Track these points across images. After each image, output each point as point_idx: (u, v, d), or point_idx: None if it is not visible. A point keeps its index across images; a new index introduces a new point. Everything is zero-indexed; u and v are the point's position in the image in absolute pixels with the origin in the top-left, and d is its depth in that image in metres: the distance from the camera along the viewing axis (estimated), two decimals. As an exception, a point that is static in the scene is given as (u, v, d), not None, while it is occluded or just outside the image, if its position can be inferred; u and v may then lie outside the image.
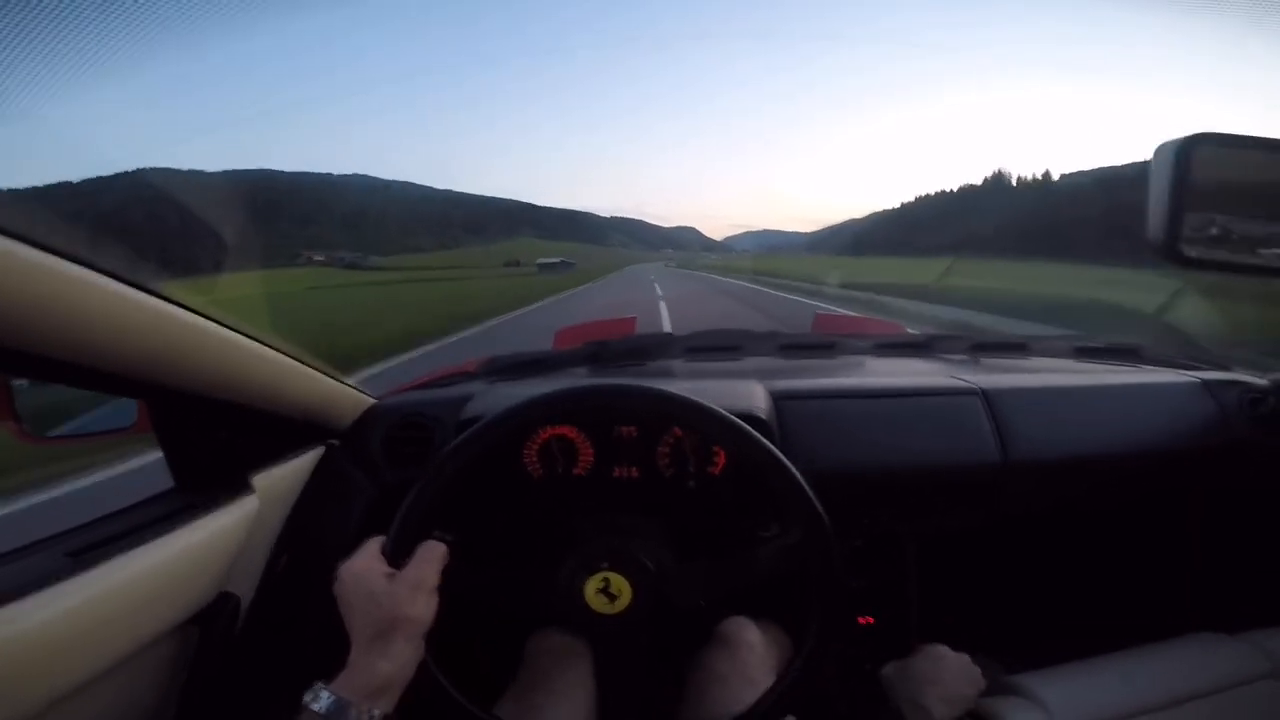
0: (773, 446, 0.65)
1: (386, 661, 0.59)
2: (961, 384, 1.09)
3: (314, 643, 0.87)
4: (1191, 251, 0.71)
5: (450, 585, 0.64)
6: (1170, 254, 0.71)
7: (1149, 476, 1.11)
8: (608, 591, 0.67)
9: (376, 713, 0.57)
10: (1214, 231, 0.73)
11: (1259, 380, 1.16)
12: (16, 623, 0.54)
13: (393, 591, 0.61)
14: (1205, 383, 1.15)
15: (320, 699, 0.56)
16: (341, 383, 1.00)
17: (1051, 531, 1.28)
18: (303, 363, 0.89)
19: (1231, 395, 1.13)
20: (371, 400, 1.08)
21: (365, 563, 0.64)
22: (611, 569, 0.68)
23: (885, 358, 1.33)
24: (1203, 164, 0.69)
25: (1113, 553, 1.33)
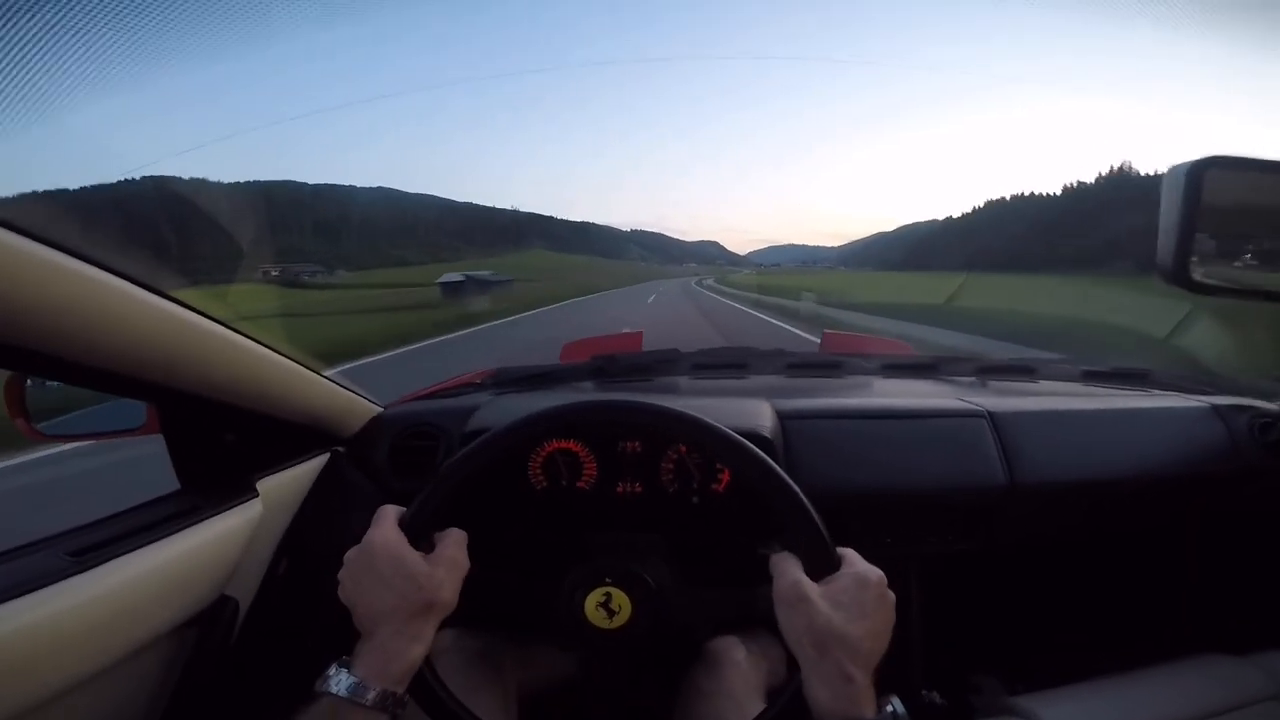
0: (774, 464, 0.64)
1: (420, 645, 0.57)
2: (968, 406, 1.08)
3: (310, 649, 0.87)
4: (1201, 276, 0.71)
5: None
6: (1179, 279, 0.70)
7: (1156, 501, 1.09)
8: (608, 607, 0.67)
9: (402, 694, 0.56)
10: (1224, 256, 0.73)
11: (1270, 405, 1.15)
12: (14, 620, 0.54)
13: (432, 574, 0.59)
14: (1215, 407, 1.14)
15: (340, 680, 0.54)
16: (349, 390, 1.01)
17: (1057, 553, 1.27)
18: (310, 369, 0.90)
19: (1241, 420, 1.11)
20: (378, 409, 1.08)
21: (395, 538, 0.60)
22: (614, 585, 0.68)
23: (892, 379, 1.32)
24: (1213, 187, 0.68)
25: (1117, 575, 1.31)
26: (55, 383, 0.85)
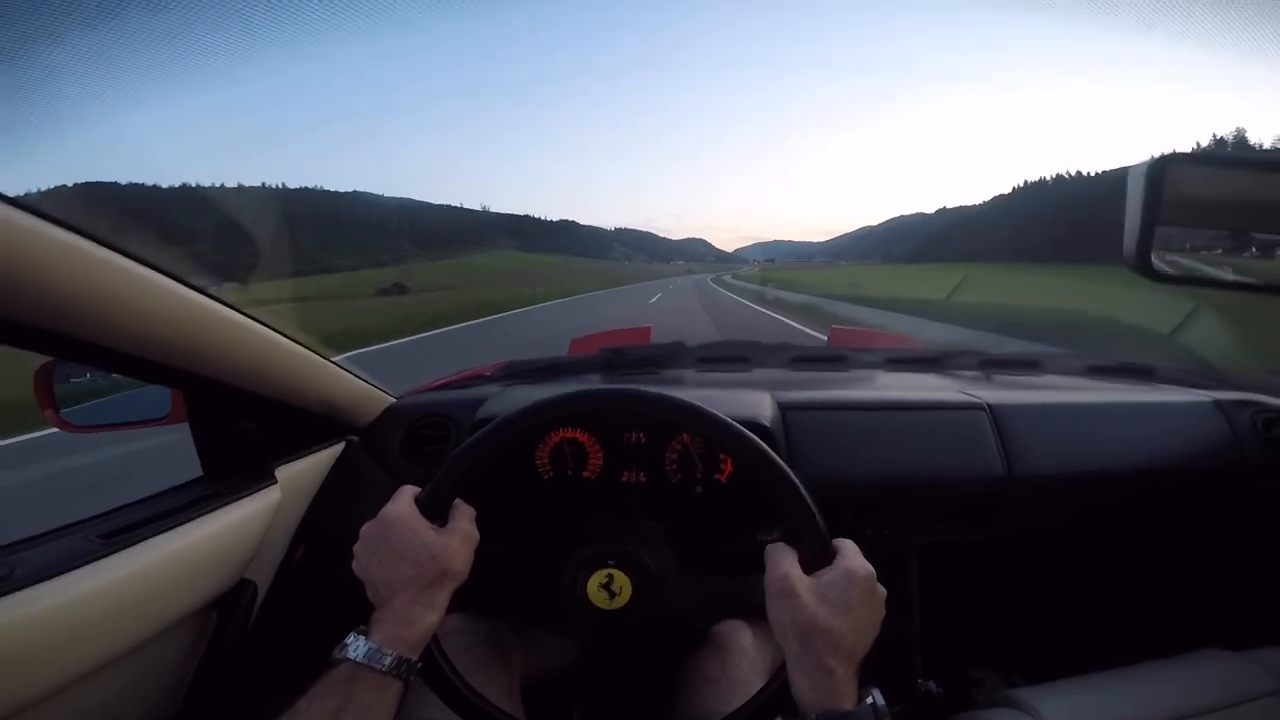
0: (772, 452, 0.66)
1: (434, 612, 0.60)
2: (968, 399, 1.09)
3: (326, 630, 0.90)
4: (1163, 267, 0.74)
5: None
6: (1143, 269, 0.73)
7: (1157, 495, 1.10)
8: (609, 588, 0.69)
9: (416, 661, 0.58)
10: (1185, 248, 0.76)
11: (1274, 401, 1.15)
12: (48, 600, 0.57)
13: (445, 544, 0.62)
14: (1218, 402, 1.14)
15: (358, 646, 0.56)
16: (364, 381, 1.04)
17: (1057, 547, 1.27)
18: (328, 360, 0.93)
19: (1244, 415, 1.12)
20: (392, 399, 1.11)
21: (409, 511, 0.63)
22: (616, 567, 0.70)
23: (896, 372, 1.33)
24: (1174, 183, 0.71)
25: (1118, 569, 1.32)
26: (83, 378, 0.89)
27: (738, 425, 0.67)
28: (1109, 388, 1.27)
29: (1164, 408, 1.15)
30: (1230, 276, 0.77)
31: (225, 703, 0.81)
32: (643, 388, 0.71)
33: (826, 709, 0.53)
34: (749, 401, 1.00)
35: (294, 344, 0.84)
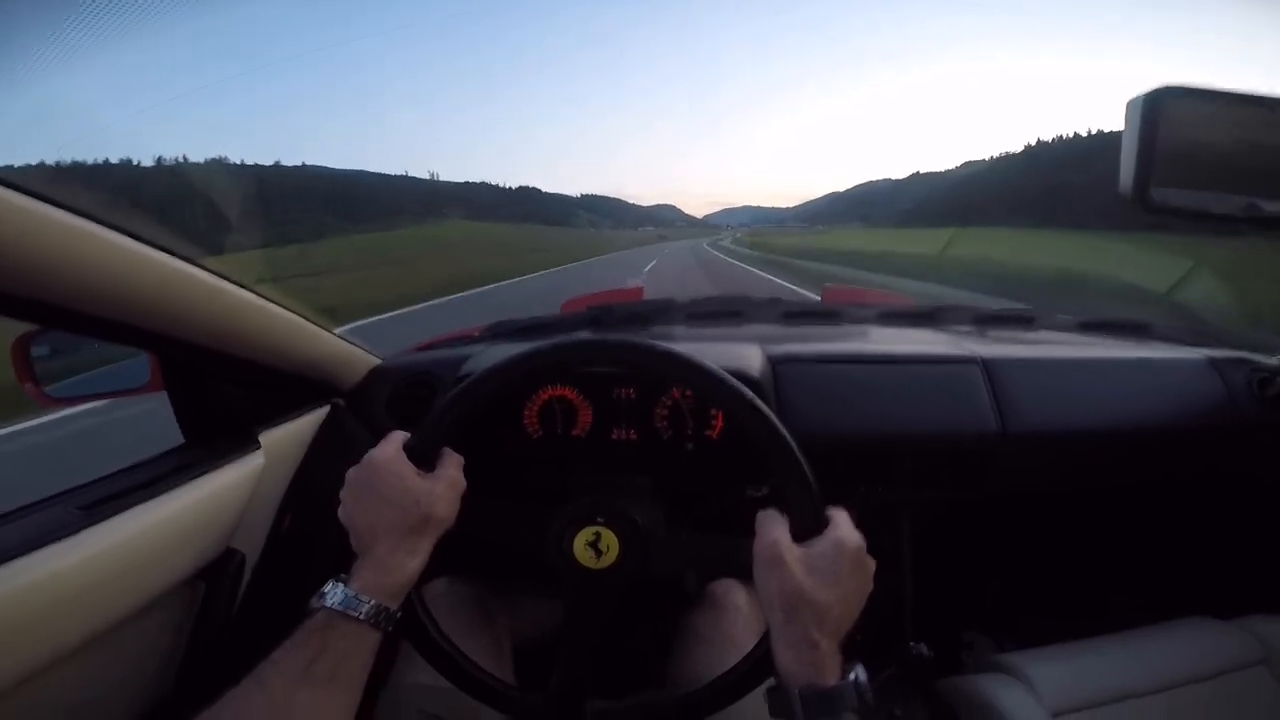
0: (759, 401, 0.64)
1: (415, 560, 0.59)
2: (961, 353, 1.08)
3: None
4: (1159, 198, 0.73)
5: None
6: (1141, 201, 0.72)
7: (1150, 453, 1.09)
8: (596, 546, 0.68)
9: (396, 610, 0.57)
10: (1181, 181, 0.75)
11: (1268, 360, 1.13)
12: (30, 574, 0.56)
13: (430, 489, 0.61)
14: (1212, 360, 1.12)
15: (335, 594, 0.54)
16: (348, 342, 1.03)
17: (1049, 508, 1.28)
18: (311, 321, 0.91)
19: (1239, 374, 1.10)
20: (376, 360, 1.10)
21: (395, 455, 0.62)
22: (604, 524, 0.69)
23: (889, 327, 1.32)
24: (1170, 116, 0.70)
25: (1110, 532, 1.32)
26: (60, 350, 0.87)
27: (730, 377, 0.66)
28: (1103, 343, 1.25)
29: (1158, 364, 1.13)
30: (1231, 211, 0.76)
31: (218, 674, 0.82)
32: (634, 337, 0.69)
33: (809, 682, 0.53)
34: (737, 353, 0.99)
35: (274, 305, 0.83)
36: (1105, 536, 1.32)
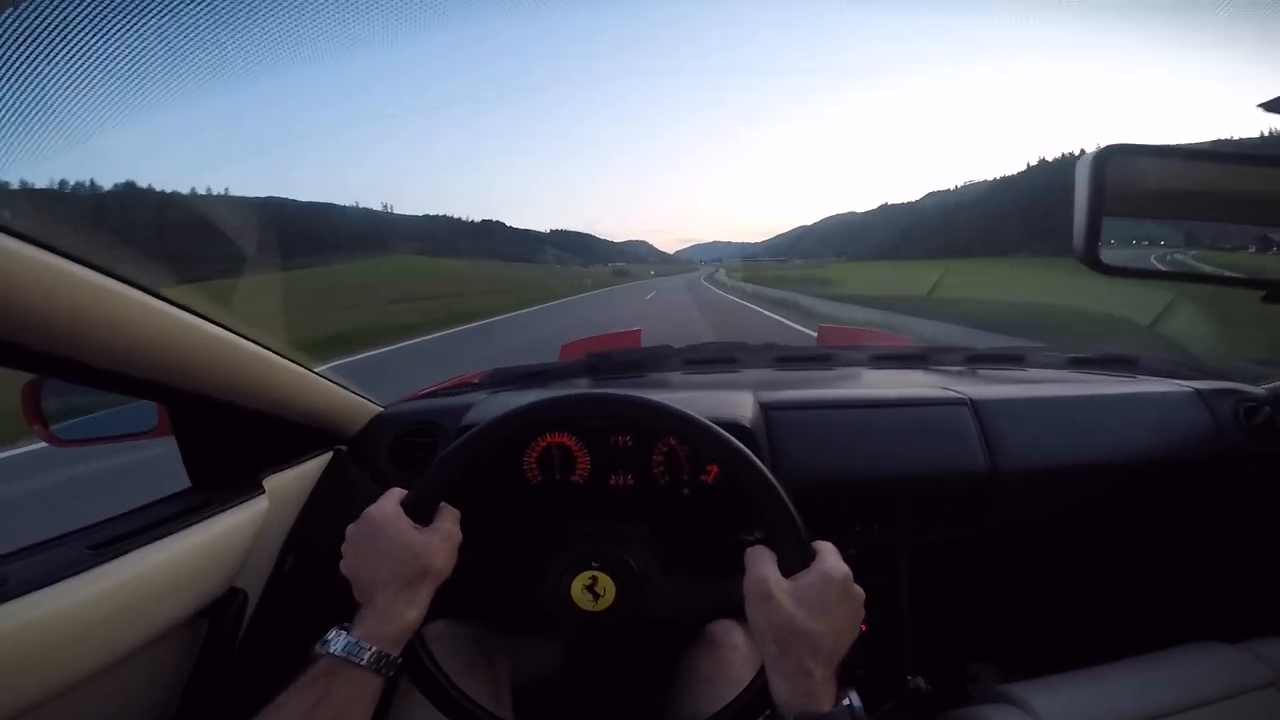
0: (744, 449, 0.66)
1: (414, 609, 0.61)
2: (950, 394, 1.10)
3: (317, 639, 0.90)
4: (1109, 259, 0.75)
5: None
6: (1090, 261, 0.74)
7: (1142, 486, 1.11)
8: (593, 590, 0.70)
9: (397, 658, 0.59)
10: (1131, 239, 0.78)
11: (1255, 390, 1.16)
12: (40, 609, 0.58)
13: (427, 542, 0.63)
14: (1200, 392, 1.15)
15: (338, 641, 0.57)
16: (350, 391, 1.05)
17: (1046, 541, 1.28)
18: (314, 372, 0.94)
19: (1226, 405, 1.12)
20: (378, 409, 1.12)
21: (393, 511, 0.64)
22: (601, 569, 0.70)
23: (881, 369, 1.34)
24: (1118, 173, 0.73)
25: (1109, 563, 1.32)
26: (70, 391, 0.89)
27: (714, 426, 0.68)
28: (1092, 380, 1.28)
29: (1146, 399, 1.16)
30: (1179, 268, 0.80)
31: (220, 710, 0.82)
32: (621, 392, 0.72)
33: (804, 710, 0.54)
34: (730, 402, 1.01)
35: (276, 356, 0.85)
36: (1104, 567, 1.32)
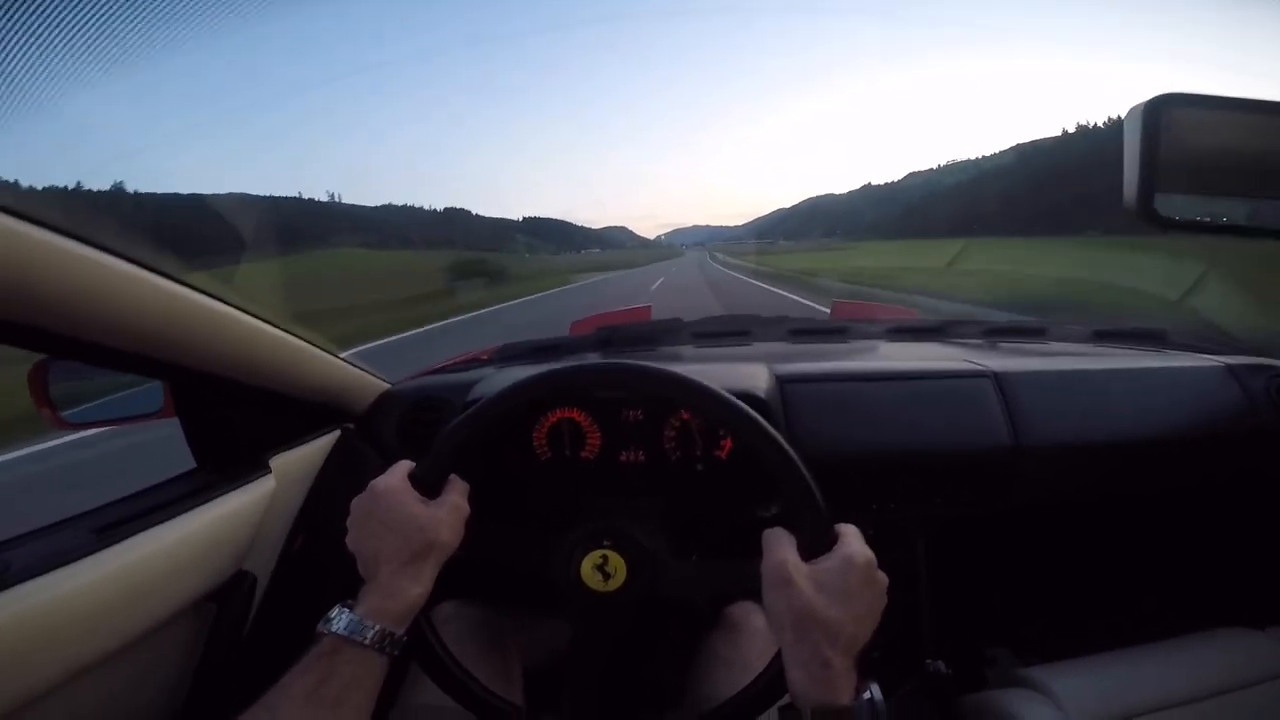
0: (763, 420, 0.63)
1: (419, 585, 0.59)
2: (972, 367, 1.07)
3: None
4: (1166, 213, 0.71)
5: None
6: (1146, 216, 0.70)
7: (1169, 463, 1.07)
8: (603, 569, 0.68)
9: (401, 635, 0.57)
10: (1189, 191, 0.73)
11: None
12: (46, 594, 0.58)
13: (433, 515, 0.61)
14: (1230, 367, 1.11)
15: (340, 619, 0.55)
16: (357, 368, 1.04)
17: (1068, 520, 1.25)
18: (320, 349, 0.93)
19: (1259, 380, 1.08)
20: (386, 385, 1.11)
21: (399, 484, 0.63)
22: (611, 548, 0.68)
23: (898, 342, 1.31)
24: (1172, 125, 0.69)
25: (1132, 543, 1.29)
26: (75, 375, 0.89)
27: (731, 397, 0.66)
28: (1117, 353, 1.24)
29: (1175, 374, 1.12)
30: (1240, 221, 0.75)
31: (229, 693, 0.82)
32: (635, 361, 0.70)
33: (822, 702, 0.51)
34: (744, 374, 0.98)
35: (282, 333, 0.84)
36: (1127, 547, 1.29)
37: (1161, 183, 0.70)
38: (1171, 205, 0.71)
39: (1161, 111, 0.69)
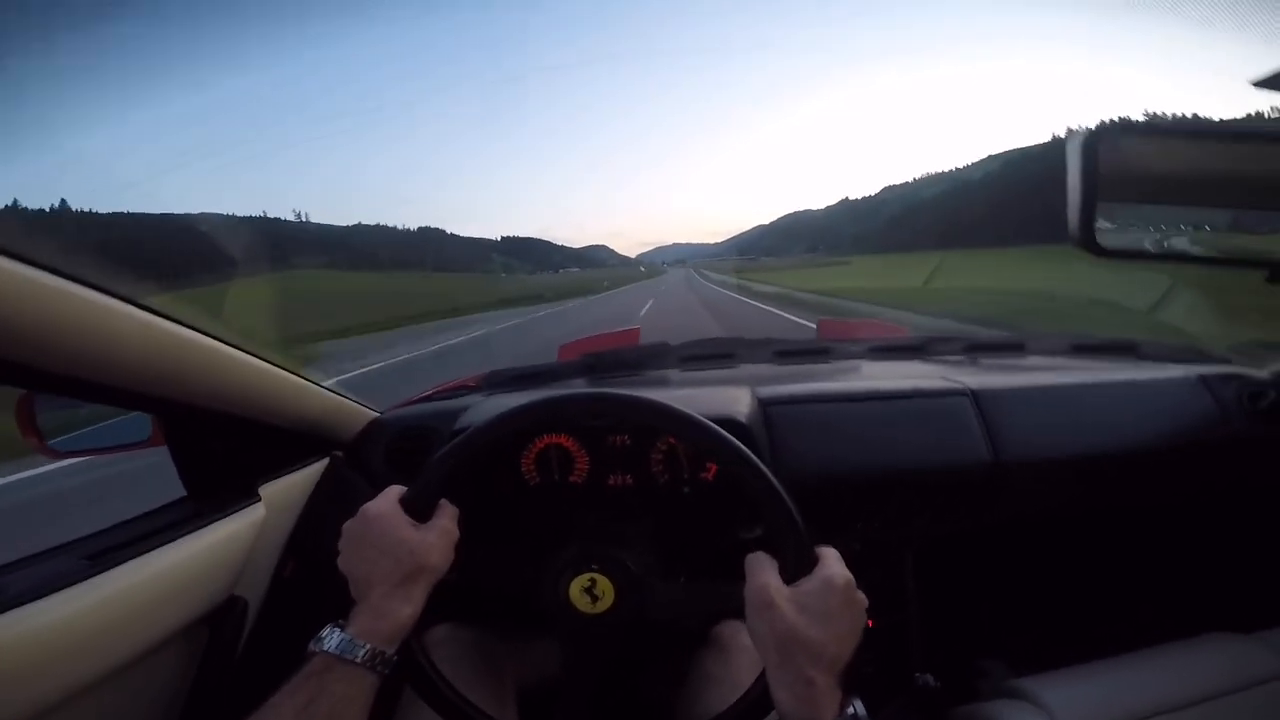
0: (742, 447, 0.65)
1: (410, 606, 0.60)
2: (950, 385, 1.09)
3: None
4: (1106, 242, 0.73)
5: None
6: (1087, 245, 0.73)
7: (1146, 473, 1.09)
8: (592, 592, 0.69)
9: (392, 656, 0.58)
10: (1128, 221, 0.76)
11: (1258, 374, 1.14)
12: (38, 619, 0.58)
13: (423, 539, 0.63)
14: (1203, 377, 1.13)
15: (332, 638, 0.56)
16: (344, 398, 1.04)
17: (1054, 532, 1.27)
18: (308, 380, 0.94)
19: (1230, 389, 1.11)
20: (374, 414, 1.11)
21: (390, 508, 0.64)
22: (599, 571, 0.69)
23: (880, 361, 1.33)
24: (1111, 154, 0.71)
25: (1117, 553, 1.31)
26: (64, 404, 0.89)
27: (712, 425, 0.67)
28: (1093, 367, 1.27)
29: (1149, 386, 1.14)
30: (1177, 249, 0.78)
31: (222, 716, 0.81)
32: (618, 391, 0.71)
33: (807, 719, 0.53)
34: (727, 399, 0.99)
35: (268, 365, 0.85)
36: (1112, 558, 1.31)
37: (1102, 211, 0.72)
38: (1113, 233, 0.74)
39: (1100, 141, 0.71)
